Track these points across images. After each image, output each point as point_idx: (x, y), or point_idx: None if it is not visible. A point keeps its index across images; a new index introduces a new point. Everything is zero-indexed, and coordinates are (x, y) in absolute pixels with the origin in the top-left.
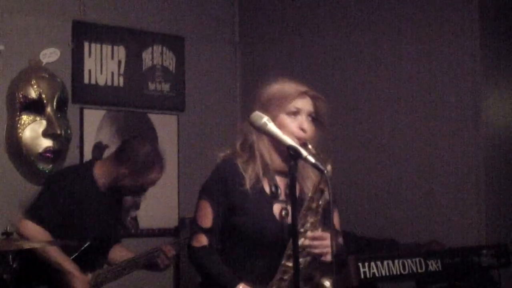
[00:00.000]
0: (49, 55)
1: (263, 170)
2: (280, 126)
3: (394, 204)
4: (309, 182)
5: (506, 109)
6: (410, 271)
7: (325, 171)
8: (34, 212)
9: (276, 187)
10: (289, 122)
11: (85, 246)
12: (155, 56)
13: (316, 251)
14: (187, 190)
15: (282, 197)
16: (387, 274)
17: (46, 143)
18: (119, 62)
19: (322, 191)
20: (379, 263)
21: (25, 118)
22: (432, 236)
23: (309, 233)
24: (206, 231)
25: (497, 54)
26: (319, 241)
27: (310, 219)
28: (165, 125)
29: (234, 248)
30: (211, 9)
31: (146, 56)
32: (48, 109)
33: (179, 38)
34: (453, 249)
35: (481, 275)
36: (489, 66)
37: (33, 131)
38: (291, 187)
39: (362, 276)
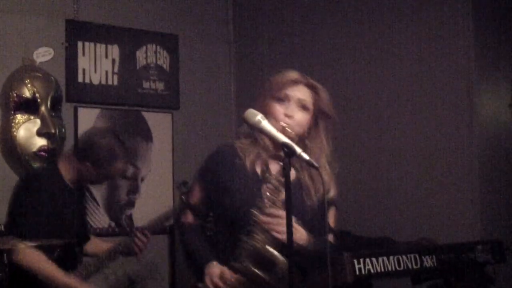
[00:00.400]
0: (43, 54)
1: (261, 154)
2: (267, 112)
3: (389, 201)
4: (303, 167)
5: (500, 106)
6: (405, 267)
7: (319, 167)
8: (20, 230)
9: (267, 169)
10: (277, 108)
11: (64, 244)
12: (149, 54)
13: (272, 227)
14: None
15: (273, 180)
16: (382, 270)
17: (41, 142)
18: (113, 61)
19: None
20: (374, 259)
21: (19, 117)
22: (428, 232)
23: (266, 210)
24: (192, 208)
25: (491, 52)
26: (276, 219)
27: (271, 196)
28: (159, 124)
29: (225, 229)
30: (205, 8)
31: (140, 54)
32: (42, 108)
33: (173, 37)
34: (448, 245)
35: (476, 271)
36: (483, 64)
37: (27, 130)
38: (286, 183)
39: (357, 272)
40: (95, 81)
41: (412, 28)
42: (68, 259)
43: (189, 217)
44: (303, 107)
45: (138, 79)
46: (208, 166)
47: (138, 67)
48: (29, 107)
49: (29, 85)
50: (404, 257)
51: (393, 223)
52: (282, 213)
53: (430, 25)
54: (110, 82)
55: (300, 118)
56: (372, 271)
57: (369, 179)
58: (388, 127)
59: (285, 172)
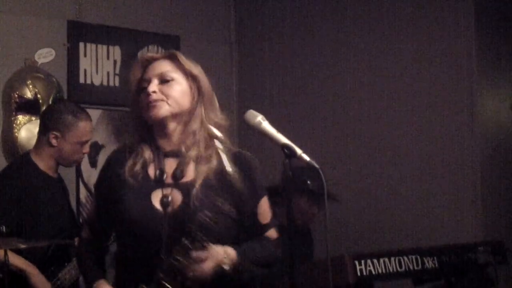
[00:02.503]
0: (45, 55)
1: (151, 154)
2: (138, 107)
3: (390, 202)
4: (198, 161)
5: (501, 107)
6: (407, 269)
7: (320, 169)
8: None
9: (162, 171)
10: (137, 96)
11: (52, 245)
12: None
13: (192, 274)
14: None
15: (168, 181)
16: (384, 271)
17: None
18: (115, 62)
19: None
20: (375, 260)
21: (20, 118)
22: (429, 233)
23: (194, 253)
24: (86, 222)
25: (493, 53)
26: (198, 264)
27: (199, 235)
28: None
29: (120, 244)
30: (207, 9)
31: (142, 55)
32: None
33: (175, 38)
34: (450, 246)
35: (478, 272)
36: (484, 66)
37: (28, 131)
38: (284, 186)
39: (359, 273)
40: (97, 82)
41: (413, 29)
42: (61, 255)
43: (83, 231)
44: (166, 80)
45: None
46: (100, 175)
47: None
48: (31, 108)
49: (30, 86)
50: (406, 258)
51: (394, 224)
52: (207, 255)
53: (431, 26)
54: (111, 83)
55: (167, 91)
56: (373, 272)
57: (370, 180)
58: (389, 128)
59: (285, 174)
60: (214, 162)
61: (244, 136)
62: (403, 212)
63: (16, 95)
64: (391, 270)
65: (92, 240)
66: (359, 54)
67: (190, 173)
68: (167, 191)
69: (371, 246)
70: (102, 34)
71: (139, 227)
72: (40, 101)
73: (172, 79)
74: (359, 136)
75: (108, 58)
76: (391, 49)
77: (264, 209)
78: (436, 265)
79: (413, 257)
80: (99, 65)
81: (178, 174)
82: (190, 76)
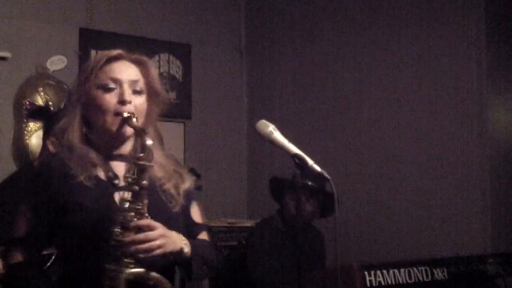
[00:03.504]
0: (56, 63)
1: (94, 157)
2: (93, 104)
3: (399, 212)
4: (157, 166)
5: (511, 113)
6: (416, 280)
7: (331, 180)
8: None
9: (115, 174)
10: (105, 97)
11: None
12: (162, 64)
13: (143, 246)
14: None
15: (122, 184)
16: (393, 282)
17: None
18: None
19: (143, 170)
20: (385, 271)
21: (31, 125)
22: (438, 244)
23: (132, 224)
24: (20, 242)
25: (503, 61)
26: (144, 233)
27: (133, 205)
28: (171, 133)
29: (73, 255)
30: (217, 17)
31: (153, 64)
32: None
33: (186, 46)
34: (459, 258)
35: (487, 283)
36: (494, 73)
37: (39, 138)
38: (297, 196)
39: (368, 284)
40: None
41: (424, 39)
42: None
43: (15, 255)
44: (138, 91)
45: None
46: (35, 185)
47: None
48: (42, 115)
49: (42, 93)
50: (415, 269)
51: (404, 235)
52: (155, 223)
53: (442, 36)
54: None
55: (140, 103)
56: (382, 283)
57: (380, 191)
58: (399, 138)
59: (296, 184)
60: (161, 167)
61: (253, 142)
62: (413, 222)
63: (28, 102)
64: (400, 281)
65: (30, 263)
66: (367, 61)
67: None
68: (124, 194)
69: (380, 256)
70: (113, 42)
71: (106, 230)
72: (52, 108)
73: (142, 91)
74: (370, 146)
75: None
76: (399, 56)
77: (196, 210)
78: (446, 277)
79: (423, 268)
80: None
81: (130, 178)
82: (154, 92)
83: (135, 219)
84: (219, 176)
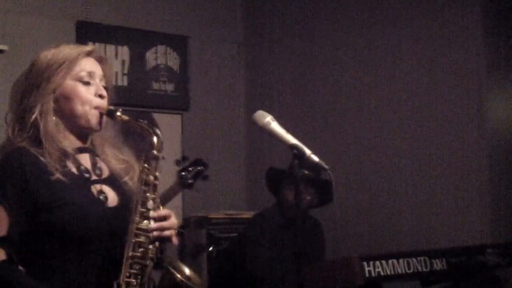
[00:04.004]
0: None
1: (64, 151)
2: (71, 95)
3: (399, 204)
4: (111, 157)
5: (510, 109)
6: (415, 270)
7: (329, 170)
8: None
9: (85, 167)
10: (83, 89)
11: None
12: (159, 56)
13: (167, 233)
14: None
15: (94, 177)
16: (392, 273)
17: None
18: (123, 62)
19: (157, 159)
20: (384, 262)
21: None
22: (437, 235)
23: (152, 213)
24: (2, 242)
25: (501, 53)
26: (166, 221)
27: (150, 195)
28: (169, 125)
29: (55, 253)
30: (214, 9)
31: (150, 56)
32: None
33: (183, 38)
34: (458, 248)
35: (486, 274)
36: (493, 66)
37: None
38: (296, 187)
39: (367, 275)
40: None
41: (422, 32)
42: None
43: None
44: (106, 88)
45: (148, 80)
46: (7, 184)
47: (148, 68)
48: None
49: None
50: (414, 260)
51: (403, 226)
52: (169, 211)
53: (441, 30)
54: (120, 83)
55: (107, 97)
56: (381, 273)
57: (379, 182)
58: (397, 130)
59: (295, 174)
60: (119, 160)
61: (251, 134)
62: (412, 213)
63: None
64: (399, 271)
65: (12, 259)
66: (365, 54)
67: (104, 168)
68: (99, 187)
69: (379, 247)
70: (111, 34)
71: (92, 225)
72: None
73: (106, 88)
74: (369, 138)
75: (116, 57)
76: (398, 50)
77: None
78: (445, 267)
79: (422, 258)
80: None
81: (97, 170)
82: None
83: (151, 207)
84: (218, 168)
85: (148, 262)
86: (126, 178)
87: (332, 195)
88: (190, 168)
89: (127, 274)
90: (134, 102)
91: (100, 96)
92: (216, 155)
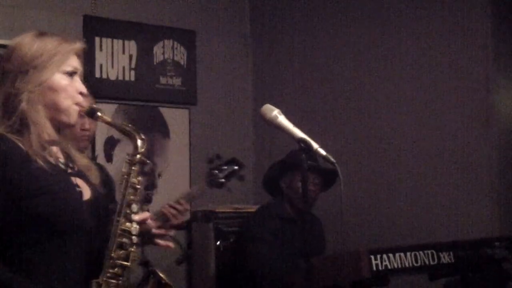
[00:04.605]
0: None
1: (45, 141)
2: (58, 88)
3: (406, 197)
4: (74, 152)
5: None
6: (423, 264)
7: (336, 164)
8: None
9: (64, 160)
10: (67, 84)
11: None
12: (166, 50)
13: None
14: (199, 183)
15: (69, 170)
16: (400, 266)
17: None
18: (130, 56)
19: (142, 163)
20: (391, 255)
21: None
22: (445, 228)
23: (134, 216)
24: None
25: (508, 46)
26: (145, 224)
27: (135, 198)
28: (176, 119)
29: (33, 244)
30: (222, 3)
31: (157, 50)
32: None
33: (190, 32)
34: (466, 241)
35: (494, 267)
36: (500, 58)
37: None
38: (303, 181)
39: (374, 268)
40: (112, 77)
41: (428, 25)
42: None
43: None
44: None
45: (155, 74)
46: None
47: (155, 63)
48: None
49: None
50: (422, 253)
51: (410, 219)
52: (147, 214)
53: (447, 21)
54: (127, 78)
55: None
56: (389, 267)
57: (386, 174)
58: (404, 123)
59: (303, 168)
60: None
61: (258, 128)
62: (419, 207)
63: None
64: (407, 265)
65: None
66: (375, 48)
67: (74, 162)
68: (74, 180)
69: (387, 241)
70: (118, 29)
71: (73, 216)
72: None
73: None
74: (376, 131)
75: (123, 52)
76: (408, 47)
77: None
78: (452, 260)
79: (429, 252)
80: (114, 60)
81: (70, 163)
82: None
83: (135, 210)
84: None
85: (129, 263)
86: (89, 174)
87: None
88: (224, 167)
89: (108, 274)
90: (141, 97)
91: (81, 94)
92: (224, 149)
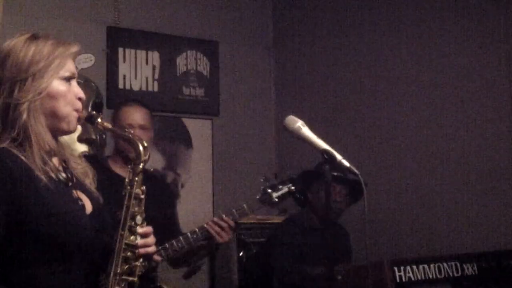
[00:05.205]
0: (84, 61)
1: (47, 154)
2: (57, 95)
3: (429, 209)
4: (70, 159)
5: None
6: (446, 275)
7: (360, 175)
8: None
9: (65, 173)
10: (66, 90)
11: None
12: (189, 61)
13: (149, 250)
14: (222, 194)
15: (70, 182)
16: (423, 278)
17: (81, 148)
18: (154, 67)
19: (144, 172)
20: (414, 267)
21: None
22: (469, 239)
23: (139, 229)
24: None
25: None
26: (150, 238)
27: (139, 210)
28: (199, 130)
29: (37, 263)
30: (245, 14)
31: (180, 61)
32: None
33: (213, 43)
34: (489, 253)
35: None
36: None
37: (68, 137)
38: (326, 191)
39: (398, 280)
40: (136, 87)
41: (452, 31)
42: None
43: None
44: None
45: (178, 85)
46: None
47: (178, 74)
48: None
49: None
50: (445, 264)
51: (434, 231)
52: (150, 228)
53: (470, 28)
54: (150, 89)
55: None
56: (412, 278)
57: (410, 186)
58: (428, 135)
59: (325, 179)
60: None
61: (281, 139)
62: (442, 219)
63: None
64: (430, 276)
65: None
66: (395, 54)
67: (72, 173)
68: (76, 193)
69: (410, 252)
70: (141, 40)
71: (78, 235)
72: None
73: None
74: (400, 141)
75: (147, 63)
76: (432, 51)
77: None
78: (476, 272)
79: (453, 263)
80: (138, 70)
81: (69, 174)
82: None
83: (140, 223)
84: (248, 173)
85: (136, 278)
86: (87, 182)
87: (362, 192)
88: (280, 186)
89: None
90: (164, 108)
91: (80, 99)
92: (246, 160)
